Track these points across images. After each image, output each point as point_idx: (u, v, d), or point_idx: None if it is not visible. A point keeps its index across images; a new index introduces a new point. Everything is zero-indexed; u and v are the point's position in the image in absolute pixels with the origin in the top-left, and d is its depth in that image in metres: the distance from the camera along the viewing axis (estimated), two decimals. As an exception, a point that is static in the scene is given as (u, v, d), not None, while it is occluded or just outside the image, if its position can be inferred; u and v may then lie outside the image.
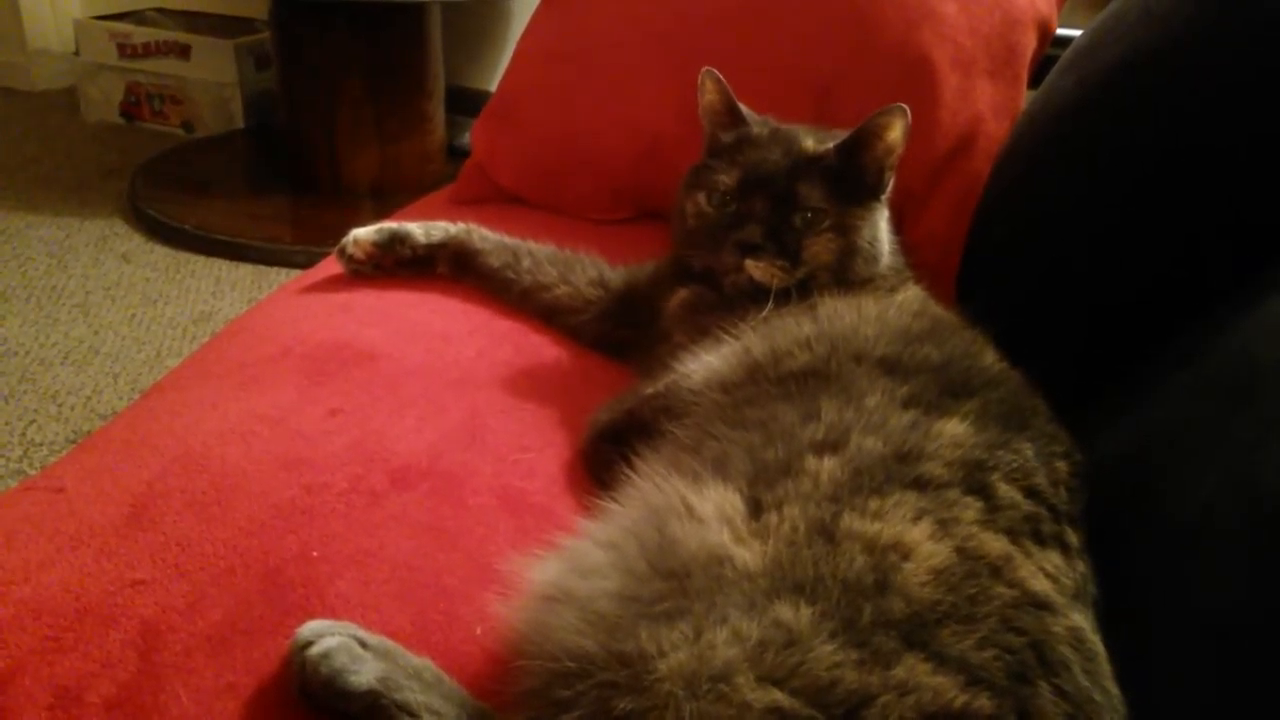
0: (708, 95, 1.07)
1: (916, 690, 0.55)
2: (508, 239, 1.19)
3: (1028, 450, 0.77)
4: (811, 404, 0.80)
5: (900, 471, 0.72)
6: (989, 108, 1.32)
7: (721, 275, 1.00)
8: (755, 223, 0.99)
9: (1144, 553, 0.71)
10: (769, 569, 0.64)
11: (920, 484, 0.71)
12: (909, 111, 0.99)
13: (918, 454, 0.74)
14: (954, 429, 0.77)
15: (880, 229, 1.04)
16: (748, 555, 0.65)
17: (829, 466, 0.73)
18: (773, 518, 0.68)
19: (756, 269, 0.97)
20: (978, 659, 0.58)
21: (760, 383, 0.86)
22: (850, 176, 1.02)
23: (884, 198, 1.05)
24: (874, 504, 0.69)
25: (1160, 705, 0.62)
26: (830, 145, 1.03)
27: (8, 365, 1.99)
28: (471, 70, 3.29)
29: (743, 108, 1.07)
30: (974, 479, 0.72)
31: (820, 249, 0.99)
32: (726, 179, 1.02)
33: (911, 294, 1.01)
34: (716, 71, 1.06)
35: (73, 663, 0.65)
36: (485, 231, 1.19)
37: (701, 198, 1.05)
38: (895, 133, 1.00)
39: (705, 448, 0.79)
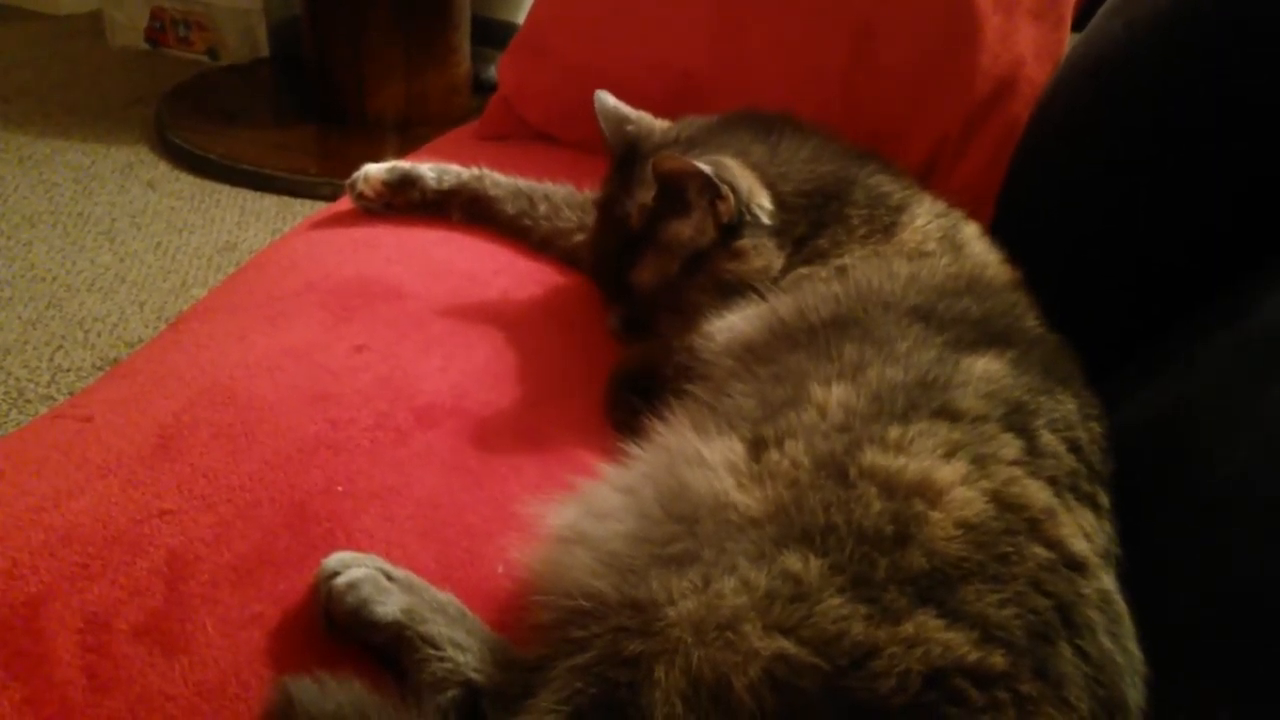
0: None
1: (925, 644, 0.54)
2: (522, 182, 1.15)
3: (1070, 404, 0.73)
4: (831, 348, 0.76)
5: (925, 397, 0.67)
6: (1031, 50, 1.27)
7: None
8: (618, 311, 1.00)
9: (1176, 519, 0.70)
10: (773, 515, 0.62)
11: (950, 413, 0.66)
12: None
13: (945, 383, 0.69)
14: (986, 365, 0.72)
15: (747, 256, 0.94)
16: (750, 501, 0.63)
17: (839, 393, 0.68)
18: (773, 455, 0.66)
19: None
20: (997, 617, 0.56)
21: (783, 338, 0.83)
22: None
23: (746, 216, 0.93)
24: (894, 433, 0.65)
25: (1184, 673, 0.61)
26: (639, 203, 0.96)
27: (35, 290, 2.01)
28: (498, 1, 3.22)
29: (615, 125, 1.07)
30: (1014, 419, 0.67)
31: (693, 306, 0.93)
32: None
33: (929, 227, 0.94)
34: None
35: (102, 590, 0.66)
36: (498, 176, 1.15)
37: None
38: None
39: (721, 405, 0.77)
